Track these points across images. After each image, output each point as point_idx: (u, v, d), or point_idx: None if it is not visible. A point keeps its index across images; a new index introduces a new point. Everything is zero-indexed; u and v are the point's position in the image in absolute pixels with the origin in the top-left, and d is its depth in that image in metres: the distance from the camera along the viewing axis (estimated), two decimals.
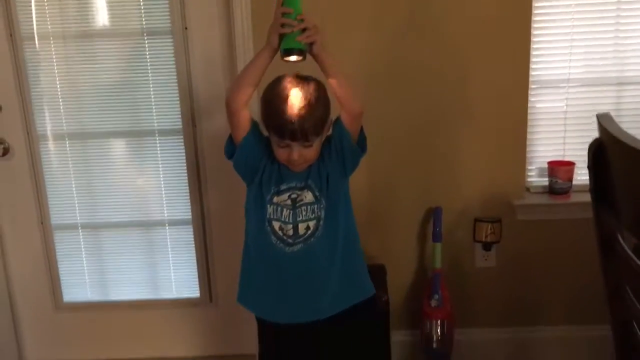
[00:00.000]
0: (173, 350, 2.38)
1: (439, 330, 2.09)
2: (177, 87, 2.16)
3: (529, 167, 2.20)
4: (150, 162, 2.25)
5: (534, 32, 2.06)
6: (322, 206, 1.47)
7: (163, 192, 2.27)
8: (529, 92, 2.11)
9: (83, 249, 2.33)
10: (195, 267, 2.33)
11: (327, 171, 1.48)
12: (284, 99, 1.40)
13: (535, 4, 2.04)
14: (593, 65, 2.12)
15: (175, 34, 2.11)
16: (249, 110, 1.51)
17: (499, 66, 2.07)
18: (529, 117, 2.13)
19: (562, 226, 2.17)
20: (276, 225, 1.48)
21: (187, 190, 2.26)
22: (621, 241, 1.04)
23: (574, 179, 2.15)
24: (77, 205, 2.28)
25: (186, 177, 2.24)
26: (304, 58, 1.43)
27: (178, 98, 2.17)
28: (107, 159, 2.25)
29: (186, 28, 2.10)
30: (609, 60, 2.10)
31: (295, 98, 1.40)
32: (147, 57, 2.15)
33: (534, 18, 2.05)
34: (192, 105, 2.17)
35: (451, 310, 2.09)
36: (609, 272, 1.11)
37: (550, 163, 2.17)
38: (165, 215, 2.30)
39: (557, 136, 2.18)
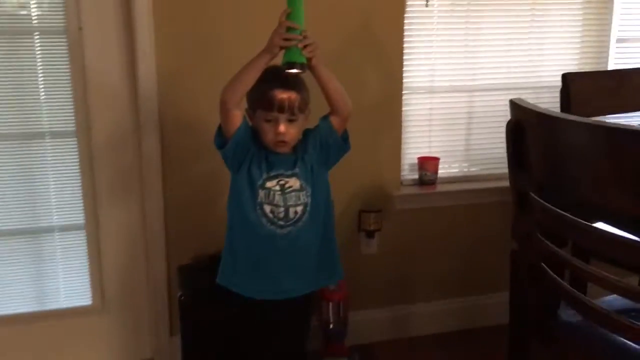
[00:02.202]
0: None
1: (333, 312, 2.28)
2: (70, 88, 2.12)
3: (403, 163, 2.51)
4: (39, 165, 2.16)
5: (405, 45, 2.38)
6: (308, 194, 1.62)
7: (52, 197, 2.19)
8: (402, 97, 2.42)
9: None
10: (87, 273, 2.27)
11: (312, 162, 1.64)
12: (273, 77, 1.55)
13: (405, 24, 2.35)
14: (451, 75, 2.50)
15: (69, 33, 2.08)
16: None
17: (378, 73, 2.34)
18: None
19: (431, 213, 2.50)
20: (267, 208, 1.59)
21: (80, 195, 2.20)
22: (533, 195, 1.33)
23: (439, 171, 2.51)
24: None
25: (79, 181, 2.19)
26: (304, 71, 1.58)
27: (72, 99, 2.13)
28: None
29: (81, 28, 2.08)
30: (463, 71, 2.50)
31: (283, 78, 1.55)
32: (37, 56, 2.08)
33: (405, 34, 2.36)
34: (88, 106, 2.14)
35: (347, 293, 2.30)
36: (521, 223, 1.40)
37: (419, 158, 2.50)
38: (55, 220, 2.21)
39: (424, 135, 2.52)
